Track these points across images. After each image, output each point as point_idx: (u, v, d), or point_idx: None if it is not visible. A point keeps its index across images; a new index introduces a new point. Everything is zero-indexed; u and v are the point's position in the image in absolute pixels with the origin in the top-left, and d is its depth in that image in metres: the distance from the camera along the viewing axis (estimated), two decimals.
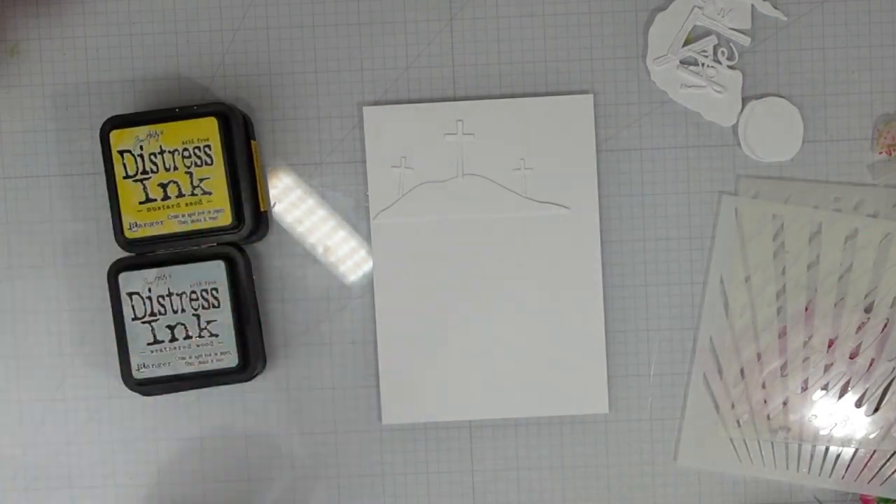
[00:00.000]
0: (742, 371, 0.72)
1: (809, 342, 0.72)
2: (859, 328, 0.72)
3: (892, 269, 0.71)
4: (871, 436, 0.71)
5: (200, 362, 0.69)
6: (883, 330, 0.71)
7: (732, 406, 0.72)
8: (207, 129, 0.68)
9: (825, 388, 0.72)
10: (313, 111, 0.73)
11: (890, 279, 0.71)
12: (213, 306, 0.69)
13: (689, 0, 0.72)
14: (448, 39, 0.73)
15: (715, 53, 0.72)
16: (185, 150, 0.69)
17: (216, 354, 0.69)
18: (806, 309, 0.72)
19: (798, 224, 0.71)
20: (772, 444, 0.72)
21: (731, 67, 0.72)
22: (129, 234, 0.69)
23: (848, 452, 0.72)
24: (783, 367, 0.72)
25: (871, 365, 0.71)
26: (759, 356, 0.72)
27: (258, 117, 0.73)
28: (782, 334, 0.72)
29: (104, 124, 0.69)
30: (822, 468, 0.72)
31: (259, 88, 0.73)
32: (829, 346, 0.72)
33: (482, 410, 0.72)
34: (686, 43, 0.72)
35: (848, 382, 0.72)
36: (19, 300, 0.73)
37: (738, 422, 0.72)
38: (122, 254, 0.70)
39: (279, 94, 0.73)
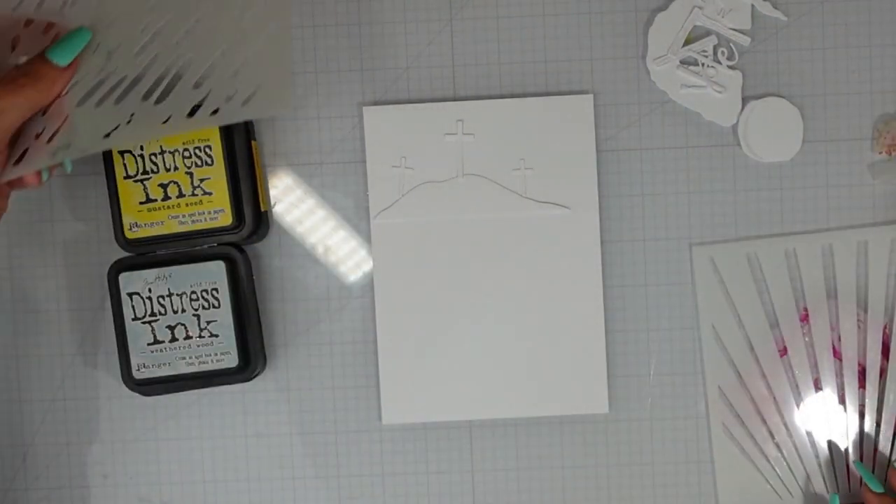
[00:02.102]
0: (758, 409, 0.72)
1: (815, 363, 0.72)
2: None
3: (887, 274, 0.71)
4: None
5: (200, 362, 0.69)
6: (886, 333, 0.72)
7: (757, 445, 0.72)
8: (208, 130, 0.68)
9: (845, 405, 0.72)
10: (313, 111, 0.73)
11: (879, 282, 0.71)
12: (213, 306, 0.69)
13: (689, 0, 0.72)
14: (448, 39, 0.73)
15: (715, 53, 0.72)
16: (186, 150, 0.69)
17: (216, 354, 0.69)
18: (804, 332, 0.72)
19: (774, 253, 0.72)
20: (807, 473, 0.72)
21: (731, 67, 0.72)
22: (129, 235, 0.69)
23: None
24: (797, 394, 0.72)
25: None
26: (770, 390, 0.72)
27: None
28: (788, 368, 0.72)
29: None
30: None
31: None
32: (836, 356, 0.72)
33: (482, 410, 0.72)
34: (686, 43, 0.72)
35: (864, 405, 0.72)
36: (19, 300, 0.73)
37: (768, 459, 0.72)
38: (122, 254, 0.70)
39: None
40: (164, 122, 0.59)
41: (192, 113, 0.59)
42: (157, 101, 0.60)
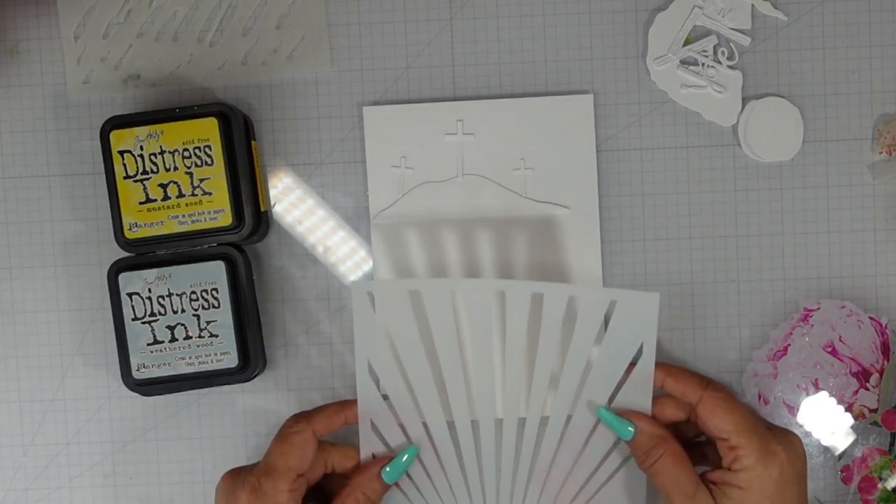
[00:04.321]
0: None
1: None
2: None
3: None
4: None
5: (200, 362, 0.69)
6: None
7: None
8: (208, 130, 0.68)
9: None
10: (313, 111, 0.73)
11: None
12: (213, 306, 0.69)
13: (689, 0, 0.72)
14: (448, 39, 0.73)
15: (715, 53, 0.72)
16: (186, 150, 0.69)
17: (216, 354, 0.69)
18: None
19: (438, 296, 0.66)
20: None
21: (731, 67, 0.72)
22: (129, 235, 0.69)
23: None
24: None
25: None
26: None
27: (258, 117, 0.73)
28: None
29: (104, 124, 0.69)
30: None
31: (259, 89, 0.73)
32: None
33: (482, 410, 0.72)
34: (686, 43, 0.72)
35: None
36: (19, 300, 0.73)
37: None
38: (122, 254, 0.70)
39: (279, 95, 0.73)
40: (220, 67, 0.65)
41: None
42: (211, 45, 0.65)
